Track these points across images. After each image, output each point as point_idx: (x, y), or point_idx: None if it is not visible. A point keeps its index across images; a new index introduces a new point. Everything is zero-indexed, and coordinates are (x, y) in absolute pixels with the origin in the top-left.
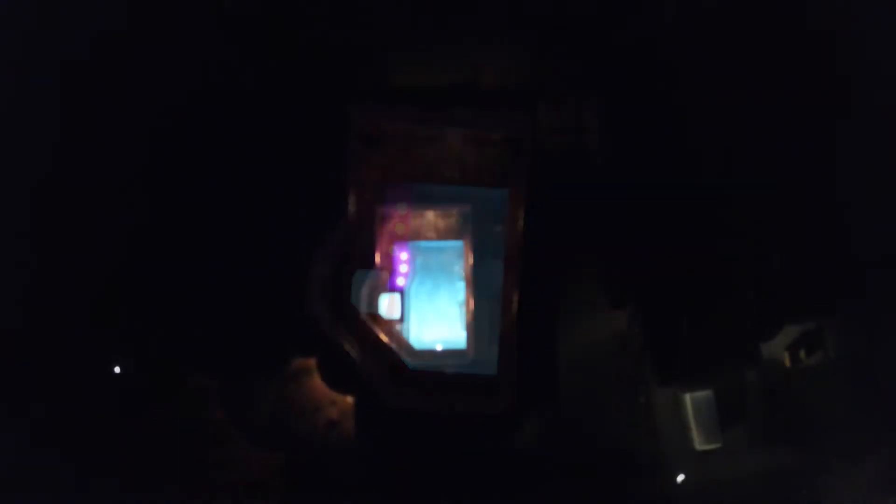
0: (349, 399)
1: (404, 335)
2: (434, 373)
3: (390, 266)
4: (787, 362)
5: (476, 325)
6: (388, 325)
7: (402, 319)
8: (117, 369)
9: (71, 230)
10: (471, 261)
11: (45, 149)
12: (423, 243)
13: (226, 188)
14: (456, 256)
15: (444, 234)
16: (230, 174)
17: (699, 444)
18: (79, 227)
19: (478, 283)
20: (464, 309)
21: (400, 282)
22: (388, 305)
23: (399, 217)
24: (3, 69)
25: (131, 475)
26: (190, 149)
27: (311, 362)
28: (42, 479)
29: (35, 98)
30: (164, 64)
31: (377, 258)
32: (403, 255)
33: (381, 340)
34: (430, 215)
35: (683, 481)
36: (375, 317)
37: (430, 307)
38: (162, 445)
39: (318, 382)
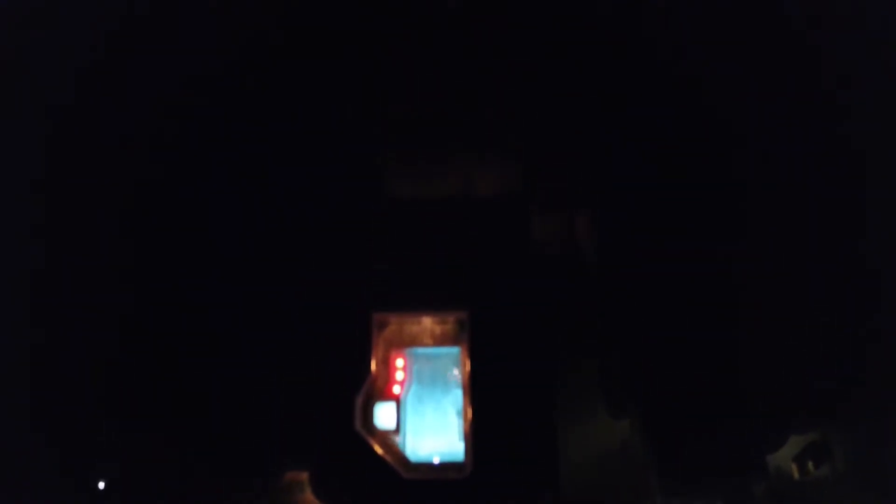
0: None
1: (400, 447)
2: (431, 487)
3: (386, 374)
4: (796, 474)
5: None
6: (383, 436)
7: (397, 430)
8: (101, 485)
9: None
10: (468, 368)
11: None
12: (420, 350)
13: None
14: (453, 363)
15: (440, 341)
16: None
17: None
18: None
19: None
20: (461, 419)
21: (396, 390)
22: (383, 415)
23: (395, 323)
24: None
25: None
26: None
27: (303, 476)
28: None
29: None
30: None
31: (373, 366)
32: (399, 363)
33: (375, 453)
34: (427, 321)
35: None
36: (370, 428)
37: (426, 417)
38: None
39: (309, 497)
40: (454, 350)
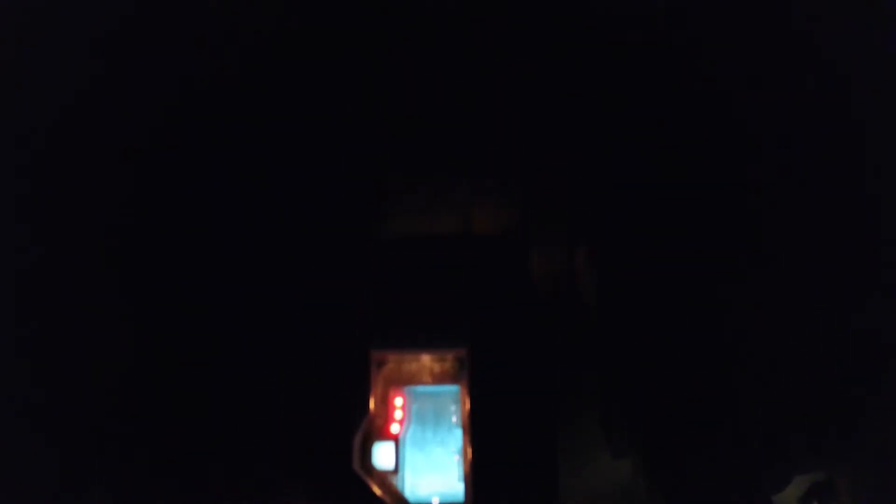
0: None
1: (399, 487)
2: None
3: (385, 413)
4: None
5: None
6: (381, 476)
7: (396, 470)
8: None
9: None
10: (468, 406)
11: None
12: (419, 388)
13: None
14: (452, 402)
15: (439, 379)
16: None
17: None
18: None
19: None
20: (461, 458)
21: (395, 429)
22: (382, 455)
23: (393, 361)
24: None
25: None
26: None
27: None
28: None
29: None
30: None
31: (371, 404)
32: (398, 401)
33: (374, 494)
34: (426, 359)
35: None
36: (369, 468)
37: (425, 456)
38: None
39: None
40: (453, 388)
